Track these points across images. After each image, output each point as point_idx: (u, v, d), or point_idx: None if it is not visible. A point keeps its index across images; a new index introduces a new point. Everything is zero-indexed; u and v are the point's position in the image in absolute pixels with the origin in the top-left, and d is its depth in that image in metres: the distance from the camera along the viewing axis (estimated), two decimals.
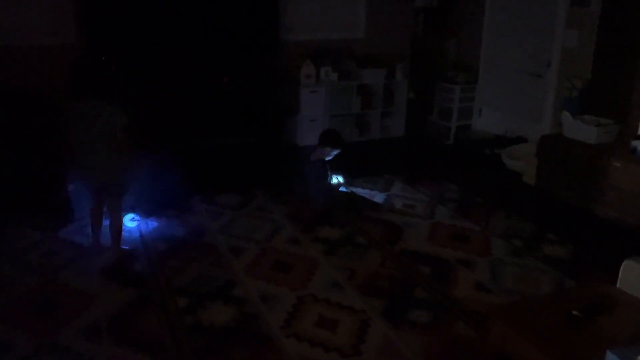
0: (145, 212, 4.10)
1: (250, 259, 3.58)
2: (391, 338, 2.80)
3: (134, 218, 4.00)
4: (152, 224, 4.02)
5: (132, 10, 4.88)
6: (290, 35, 5.74)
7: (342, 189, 4.66)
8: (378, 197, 4.66)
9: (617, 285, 2.53)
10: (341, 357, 2.65)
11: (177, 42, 5.09)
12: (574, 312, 2.28)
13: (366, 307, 3.07)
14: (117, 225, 3.53)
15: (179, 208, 4.29)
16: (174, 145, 5.02)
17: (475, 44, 6.45)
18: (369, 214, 4.32)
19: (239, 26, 5.32)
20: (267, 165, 5.25)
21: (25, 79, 4.79)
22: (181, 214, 4.20)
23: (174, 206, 4.30)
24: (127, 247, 3.64)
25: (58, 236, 3.83)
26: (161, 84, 5.00)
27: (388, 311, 3.03)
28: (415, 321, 2.94)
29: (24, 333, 2.79)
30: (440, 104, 6.60)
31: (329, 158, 4.58)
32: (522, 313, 2.38)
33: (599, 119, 4.59)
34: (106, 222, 3.58)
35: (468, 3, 6.53)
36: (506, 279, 3.40)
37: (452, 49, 6.80)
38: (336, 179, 4.66)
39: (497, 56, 6.23)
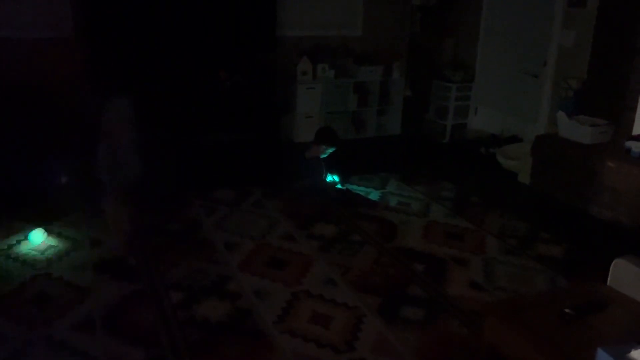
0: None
1: (245, 255, 3.58)
2: (385, 335, 2.81)
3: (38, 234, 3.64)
4: None
5: (129, 6, 4.86)
6: (287, 32, 5.74)
7: (337, 186, 4.67)
8: (373, 195, 4.67)
9: (608, 284, 2.55)
10: (335, 353, 2.66)
11: (174, 37, 5.08)
12: (567, 310, 2.30)
13: (360, 303, 3.07)
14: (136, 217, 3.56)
15: (175, 203, 4.29)
16: (169, 141, 5.01)
17: (472, 43, 6.46)
18: (365, 211, 4.33)
19: (236, 22, 5.32)
20: (263, 161, 5.25)
21: (19, 72, 4.77)
22: (177, 209, 4.20)
23: (170, 201, 4.30)
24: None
25: (52, 229, 3.82)
26: (157, 79, 4.99)
27: (382, 308, 3.04)
28: (409, 318, 2.95)
29: (18, 326, 2.78)
30: (436, 103, 6.62)
31: (324, 156, 4.58)
32: (515, 311, 2.39)
33: (594, 119, 4.61)
34: None
35: (466, 2, 6.53)
36: (500, 277, 3.41)
37: (449, 47, 6.81)
38: (331, 177, 4.66)
39: (493, 55, 6.24)
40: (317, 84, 5.83)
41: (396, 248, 3.75)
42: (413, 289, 3.25)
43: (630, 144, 4.25)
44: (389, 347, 2.73)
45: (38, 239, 3.60)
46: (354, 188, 4.75)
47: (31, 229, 3.65)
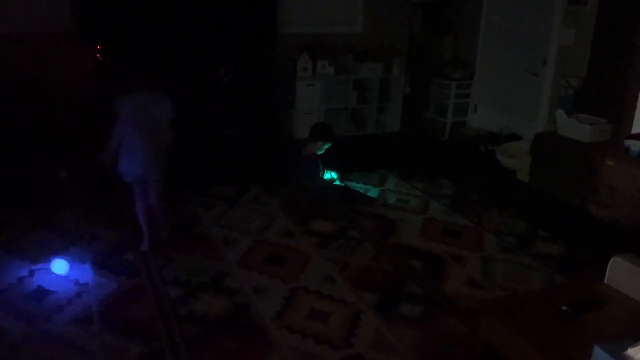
0: None
1: (243, 251, 3.58)
2: (382, 331, 2.82)
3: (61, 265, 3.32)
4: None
5: (127, 1, 4.85)
6: (287, 28, 5.73)
7: (336, 183, 4.66)
8: (372, 192, 4.67)
9: (605, 282, 2.55)
10: (332, 349, 2.67)
11: (173, 33, 5.06)
12: (563, 308, 2.31)
13: (358, 300, 3.08)
14: (163, 207, 3.60)
15: (174, 198, 4.29)
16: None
17: (472, 40, 6.45)
18: (363, 208, 4.33)
19: (236, 18, 5.30)
20: (262, 158, 5.25)
21: (17, 65, 4.76)
22: (176, 205, 4.21)
23: (169, 196, 4.30)
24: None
25: (51, 223, 3.83)
26: (155, 75, 4.97)
27: (380, 305, 3.05)
28: (406, 315, 2.96)
29: (16, 320, 2.79)
30: (436, 100, 6.61)
31: (321, 152, 4.58)
32: (512, 308, 2.40)
33: (593, 118, 4.61)
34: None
35: (466, 0, 6.53)
36: (497, 275, 3.42)
37: (449, 45, 6.80)
38: (329, 175, 4.66)
39: (493, 53, 6.24)
40: (316, 80, 5.83)
41: (394, 245, 3.76)
42: (411, 286, 3.26)
43: (629, 142, 4.25)
44: (386, 343, 2.73)
45: (61, 269, 3.28)
46: (353, 185, 4.76)
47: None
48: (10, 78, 4.70)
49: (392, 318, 2.93)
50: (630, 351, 1.84)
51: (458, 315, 2.98)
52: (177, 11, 5.06)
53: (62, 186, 4.36)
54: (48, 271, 3.24)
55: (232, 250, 3.59)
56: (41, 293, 3.04)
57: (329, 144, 4.55)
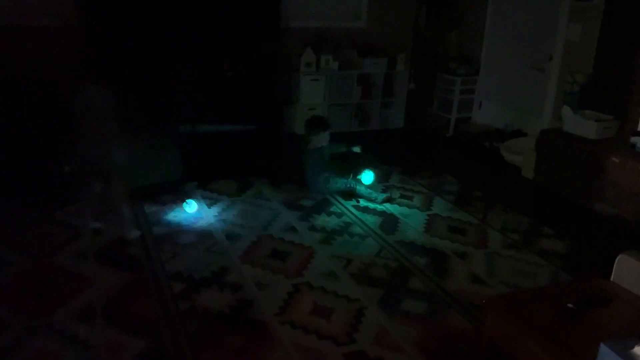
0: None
1: (247, 246, 3.57)
2: (386, 327, 2.81)
3: (190, 203, 3.98)
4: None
5: None
6: (291, 22, 5.71)
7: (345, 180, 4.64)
8: (376, 188, 4.64)
9: (611, 279, 2.53)
10: (335, 345, 2.65)
11: (177, 26, 5.04)
12: (569, 305, 2.29)
13: (361, 296, 3.07)
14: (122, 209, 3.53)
15: (176, 193, 4.28)
16: (171, 131, 5.00)
17: (477, 36, 6.41)
18: (367, 204, 4.31)
19: (240, 12, 5.28)
20: (266, 152, 5.24)
21: (21, 59, 4.75)
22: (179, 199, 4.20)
23: (171, 191, 4.29)
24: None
25: (54, 218, 3.82)
26: (159, 69, 4.97)
27: (383, 301, 3.03)
28: (410, 311, 2.95)
29: (19, 314, 2.79)
30: (440, 96, 6.58)
31: (325, 144, 4.56)
32: (517, 305, 2.38)
33: (599, 114, 4.58)
34: None
35: None
36: (502, 271, 3.40)
37: (454, 40, 6.76)
38: (361, 177, 4.58)
39: (499, 49, 6.20)
40: (320, 75, 5.80)
41: (398, 241, 3.74)
42: (414, 282, 3.24)
43: (635, 139, 4.21)
44: (390, 339, 2.72)
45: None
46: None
47: None
48: (13, 72, 4.70)
49: (395, 314, 2.91)
50: (637, 349, 1.82)
51: (462, 311, 2.96)
52: (180, 5, 5.04)
53: (66, 180, 4.35)
54: (51, 265, 3.24)
55: (235, 245, 3.58)
56: (44, 287, 3.03)
57: (328, 131, 4.54)
